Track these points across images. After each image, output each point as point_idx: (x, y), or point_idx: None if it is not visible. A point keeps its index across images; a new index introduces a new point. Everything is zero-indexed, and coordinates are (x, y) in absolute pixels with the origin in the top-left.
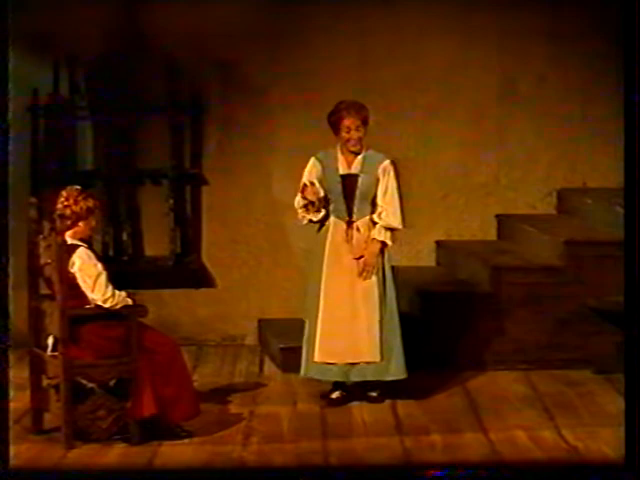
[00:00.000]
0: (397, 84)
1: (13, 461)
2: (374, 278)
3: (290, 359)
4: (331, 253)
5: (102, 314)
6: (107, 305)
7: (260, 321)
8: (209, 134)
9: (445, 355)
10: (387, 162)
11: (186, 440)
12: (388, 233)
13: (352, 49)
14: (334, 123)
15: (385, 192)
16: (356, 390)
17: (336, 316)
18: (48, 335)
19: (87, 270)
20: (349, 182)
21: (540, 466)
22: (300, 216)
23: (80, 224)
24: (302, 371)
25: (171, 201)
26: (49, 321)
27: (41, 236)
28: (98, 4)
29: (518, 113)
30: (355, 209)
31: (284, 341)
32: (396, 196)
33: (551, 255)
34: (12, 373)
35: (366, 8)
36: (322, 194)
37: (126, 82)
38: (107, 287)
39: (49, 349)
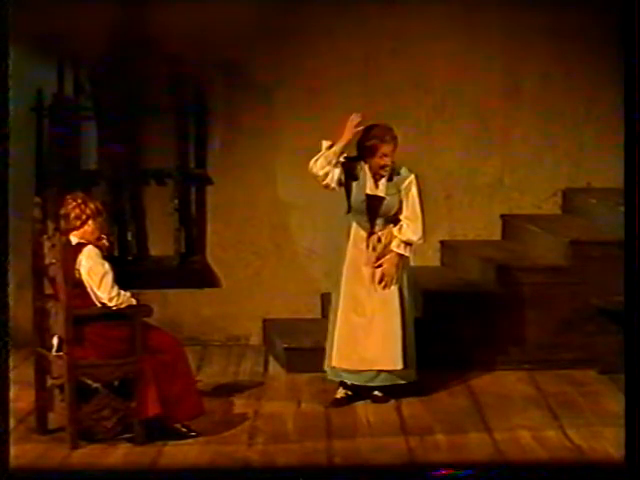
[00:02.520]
0: (401, 84)
1: (18, 461)
2: (393, 287)
3: (294, 359)
4: (351, 259)
5: (107, 314)
6: (112, 305)
7: (265, 321)
8: (214, 134)
9: (449, 355)
10: (411, 178)
11: (190, 440)
12: (408, 247)
13: (357, 50)
14: (370, 148)
15: (407, 207)
16: (360, 390)
17: (353, 322)
18: (53, 335)
19: (94, 268)
20: (374, 203)
21: (544, 466)
22: (320, 168)
23: (87, 226)
24: (326, 370)
25: (176, 201)
26: (53, 321)
27: (45, 236)
28: (103, 5)
29: (522, 113)
30: (377, 222)
31: (288, 341)
32: (418, 210)
33: (556, 255)
34: (17, 373)
35: (371, 9)
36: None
37: (131, 82)
38: (113, 287)
39: (54, 349)
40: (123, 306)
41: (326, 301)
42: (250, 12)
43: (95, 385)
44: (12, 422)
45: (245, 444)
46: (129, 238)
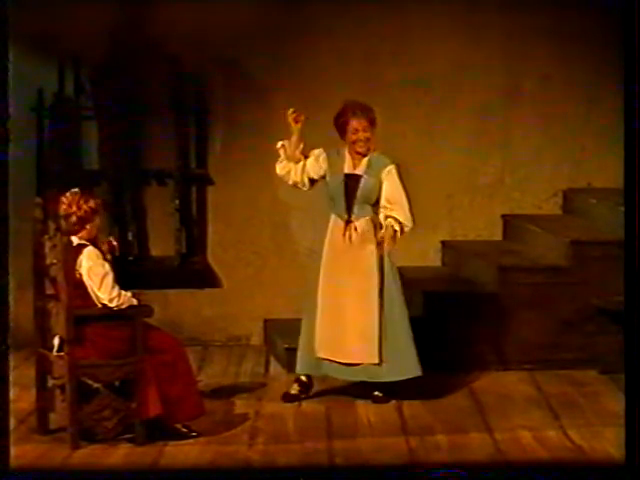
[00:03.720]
0: (401, 84)
1: (19, 461)
2: (373, 280)
3: (295, 359)
4: (329, 251)
5: (108, 314)
6: (113, 305)
7: (266, 321)
8: (214, 134)
9: (450, 355)
10: (392, 166)
11: (191, 440)
12: (398, 231)
13: (356, 49)
14: (341, 126)
15: (392, 193)
16: (360, 389)
17: (332, 314)
18: (54, 335)
19: (94, 269)
20: (352, 182)
21: (544, 466)
22: (281, 168)
23: (87, 226)
24: (297, 368)
25: (176, 201)
26: (55, 321)
27: (46, 236)
28: (103, 4)
29: (523, 113)
30: (355, 209)
31: (289, 341)
32: (404, 197)
33: (556, 255)
34: (18, 373)
35: (371, 8)
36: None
37: (131, 82)
38: (113, 287)
39: (55, 349)
40: (124, 306)
41: None
42: (250, 12)
43: (96, 385)
44: (13, 422)
45: (246, 444)
46: (130, 238)
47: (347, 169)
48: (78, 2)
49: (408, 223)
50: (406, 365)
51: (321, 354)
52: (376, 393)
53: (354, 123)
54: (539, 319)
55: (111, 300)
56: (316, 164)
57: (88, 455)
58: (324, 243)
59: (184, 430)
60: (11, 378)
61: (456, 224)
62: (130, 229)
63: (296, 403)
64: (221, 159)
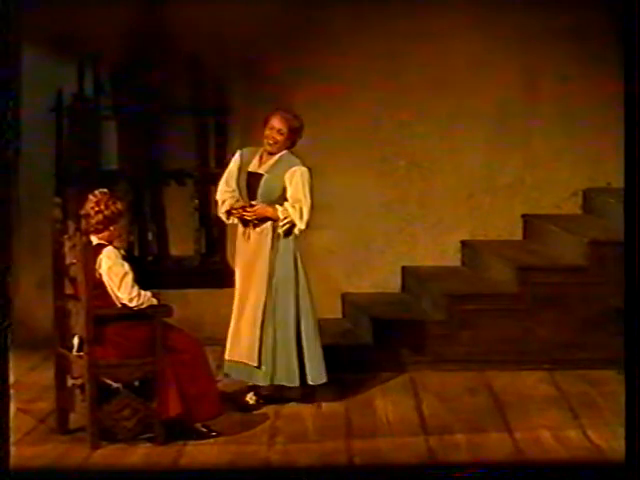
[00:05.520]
0: (422, 84)
1: (39, 461)
2: (263, 285)
3: None
4: (237, 252)
5: (127, 314)
6: (132, 305)
7: None
8: (233, 134)
9: (469, 355)
10: (298, 167)
11: (211, 440)
12: (286, 225)
13: (377, 49)
14: (265, 120)
15: (292, 194)
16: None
17: (235, 315)
18: (73, 335)
19: (114, 269)
20: (253, 180)
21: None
22: (224, 211)
23: (111, 228)
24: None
25: (196, 201)
26: (74, 321)
27: (66, 236)
28: (123, 5)
29: (543, 113)
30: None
31: None
32: (304, 199)
33: (576, 255)
34: (37, 373)
35: (391, 8)
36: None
37: (150, 82)
38: (133, 287)
39: (74, 349)
40: (144, 306)
41: (346, 301)
42: (270, 11)
43: (115, 385)
44: (32, 422)
45: (265, 444)
46: (149, 238)
47: (252, 167)
48: (98, 3)
49: (300, 225)
50: (286, 372)
51: (226, 355)
52: (248, 397)
53: (273, 121)
54: (558, 319)
55: (131, 300)
56: (235, 166)
57: (107, 455)
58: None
59: (204, 430)
60: (31, 378)
61: (476, 224)
62: (150, 229)
63: (315, 403)
64: None
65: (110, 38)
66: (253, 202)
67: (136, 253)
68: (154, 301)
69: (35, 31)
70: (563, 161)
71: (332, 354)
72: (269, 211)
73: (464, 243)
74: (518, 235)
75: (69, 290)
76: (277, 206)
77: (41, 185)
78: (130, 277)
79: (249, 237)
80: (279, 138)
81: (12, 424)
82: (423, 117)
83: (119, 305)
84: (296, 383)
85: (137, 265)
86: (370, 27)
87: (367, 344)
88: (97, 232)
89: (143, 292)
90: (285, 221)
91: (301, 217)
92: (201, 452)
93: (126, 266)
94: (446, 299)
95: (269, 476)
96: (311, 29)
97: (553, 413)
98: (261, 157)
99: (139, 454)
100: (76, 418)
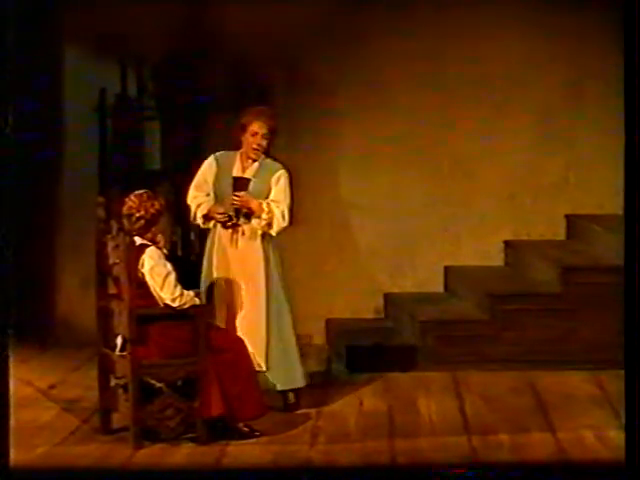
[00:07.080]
0: (464, 82)
1: (82, 460)
2: (261, 285)
3: (356, 358)
4: (219, 258)
5: (170, 314)
6: (175, 305)
7: (327, 321)
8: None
9: (513, 355)
10: (282, 172)
11: (253, 440)
12: (267, 225)
13: (420, 50)
14: (243, 125)
15: (275, 195)
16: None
17: (227, 321)
18: (116, 335)
19: (157, 269)
20: (240, 185)
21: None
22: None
23: (152, 229)
24: None
25: None
26: (117, 321)
27: (109, 236)
28: (166, 4)
29: (587, 112)
30: (242, 213)
31: (350, 341)
32: (287, 199)
33: (619, 255)
34: (81, 373)
35: (432, 9)
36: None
37: (193, 82)
38: (176, 287)
39: (117, 349)
40: (186, 306)
41: (389, 301)
42: (313, 12)
43: (158, 385)
44: (76, 422)
45: (307, 444)
46: (192, 238)
47: (236, 172)
48: (141, 2)
49: (282, 221)
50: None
51: None
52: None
53: (255, 126)
54: (602, 319)
55: (173, 300)
56: (210, 171)
57: (150, 455)
58: (211, 251)
59: (246, 429)
60: (74, 378)
61: (519, 224)
62: (192, 228)
63: (357, 402)
64: (283, 158)
65: (153, 38)
66: (238, 193)
67: (179, 253)
68: (197, 301)
69: (78, 31)
70: (606, 160)
71: (375, 354)
72: (254, 203)
73: (507, 243)
74: (561, 235)
75: (112, 290)
76: (261, 200)
77: (84, 185)
78: (173, 277)
79: (237, 242)
80: (264, 143)
81: (56, 424)
82: (466, 117)
83: (162, 305)
84: (302, 384)
85: (180, 265)
86: (412, 28)
87: (410, 344)
88: (140, 234)
89: (186, 292)
90: (268, 215)
91: (283, 216)
92: (243, 452)
93: (169, 266)
94: (489, 299)
95: (311, 476)
96: (353, 30)
97: (596, 413)
98: (242, 161)
99: (182, 454)
100: (119, 418)
